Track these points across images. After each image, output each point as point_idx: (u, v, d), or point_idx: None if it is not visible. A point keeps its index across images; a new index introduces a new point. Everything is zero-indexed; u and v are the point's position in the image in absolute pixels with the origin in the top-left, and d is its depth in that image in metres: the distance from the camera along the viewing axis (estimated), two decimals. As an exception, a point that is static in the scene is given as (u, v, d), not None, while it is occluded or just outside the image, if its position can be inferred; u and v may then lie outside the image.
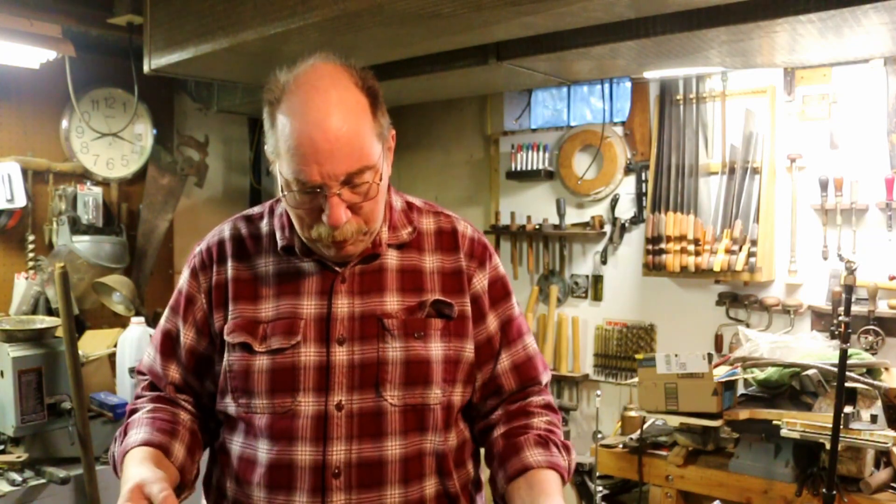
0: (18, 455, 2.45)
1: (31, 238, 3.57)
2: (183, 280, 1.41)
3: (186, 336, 1.37)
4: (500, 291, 1.42)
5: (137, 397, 1.42)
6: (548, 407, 1.43)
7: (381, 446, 1.27)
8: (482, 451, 1.45)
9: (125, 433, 1.32)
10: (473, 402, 1.42)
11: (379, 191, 1.24)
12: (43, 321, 2.75)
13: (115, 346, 2.96)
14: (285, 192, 1.23)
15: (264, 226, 1.39)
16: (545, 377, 1.45)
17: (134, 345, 2.86)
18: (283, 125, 1.20)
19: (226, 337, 1.32)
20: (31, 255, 3.57)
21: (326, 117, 1.17)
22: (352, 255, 1.30)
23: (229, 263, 1.36)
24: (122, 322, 3.54)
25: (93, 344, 3.19)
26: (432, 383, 1.30)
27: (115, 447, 1.33)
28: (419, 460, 1.30)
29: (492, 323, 1.39)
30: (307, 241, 1.29)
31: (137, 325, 2.90)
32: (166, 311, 1.43)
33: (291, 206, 1.25)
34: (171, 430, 1.31)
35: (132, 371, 2.81)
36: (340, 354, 1.28)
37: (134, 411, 1.37)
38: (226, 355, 1.33)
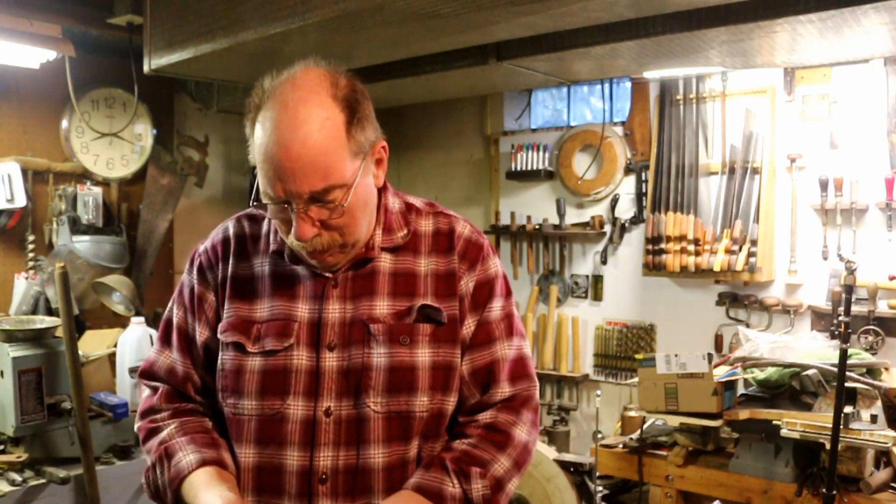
0: (18, 455, 2.45)
1: (31, 238, 3.57)
2: (189, 278, 1.39)
3: (202, 334, 1.35)
4: (483, 295, 1.35)
5: (152, 410, 1.37)
6: (489, 427, 1.31)
7: (365, 454, 1.25)
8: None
9: (167, 457, 1.28)
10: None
11: (351, 208, 1.21)
12: (43, 321, 2.74)
13: (115, 346, 2.95)
14: (262, 200, 1.23)
15: (265, 224, 1.38)
16: (504, 388, 1.33)
17: (134, 345, 2.85)
18: (256, 137, 1.21)
19: (220, 335, 1.32)
20: (31, 255, 3.57)
21: (291, 136, 1.16)
22: (332, 265, 1.28)
23: (231, 261, 1.35)
24: (122, 322, 3.53)
25: (93, 344, 3.19)
26: (417, 390, 1.27)
27: (160, 474, 1.28)
28: (402, 469, 1.27)
29: (468, 326, 1.33)
30: (290, 248, 1.28)
31: (137, 325, 2.90)
32: (175, 311, 1.40)
33: (268, 214, 1.26)
34: (212, 442, 1.29)
35: (132, 371, 2.80)
36: (330, 360, 1.26)
37: (156, 430, 1.33)
38: (220, 354, 1.32)
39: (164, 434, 1.32)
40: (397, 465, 1.27)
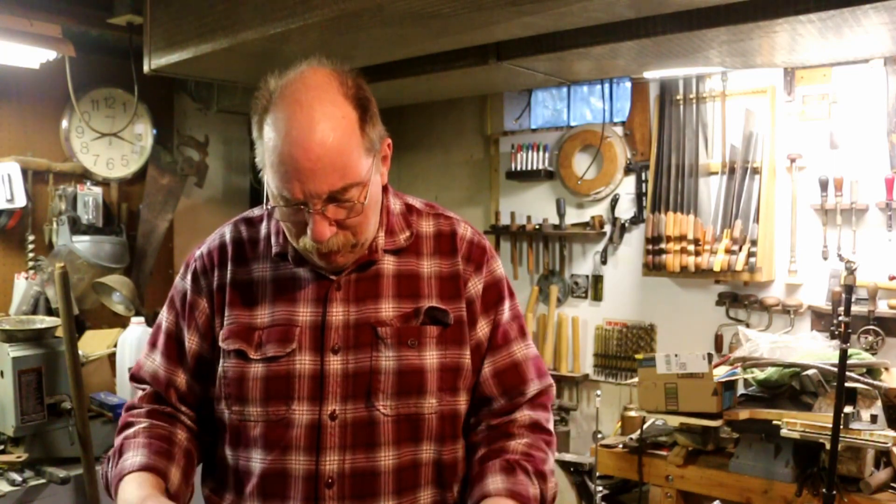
0: (18, 455, 2.45)
1: (31, 238, 3.57)
2: (183, 283, 1.38)
3: (191, 341, 1.35)
4: (493, 296, 1.37)
5: (133, 407, 1.38)
6: (533, 427, 1.34)
7: (374, 457, 1.25)
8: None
9: (120, 453, 1.29)
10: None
11: (366, 206, 1.21)
12: (43, 321, 2.74)
13: (115, 346, 2.95)
14: (272, 205, 1.22)
15: (263, 228, 1.37)
16: (535, 385, 1.37)
17: (134, 345, 2.85)
18: (268, 139, 1.19)
19: (221, 343, 1.31)
20: (31, 255, 3.57)
21: (309, 135, 1.14)
22: (342, 265, 1.28)
23: (229, 267, 1.34)
24: (122, 322, 3.54)
25: (93, 344, 3.19)
26: (426, 392, 1.27)
27: (109, 467, 1.30)
28: (413, 471, 1.28)
29: (482, 329, 1.35)
30: (299, 250, 1.27)
31: (137, 325, 2.90)
32: (165, 315, 1.40)
33: (279, 217, 1.25)
34: (167, 452, 1.28)
35: (132, 371, 2.81)
36: (335, 363, 1.26)
37: (128, 425, 1.34)
38: (221, 362, 1.31)
39: (131, 430, 1.32)
40: (408, 466, 1.27)
